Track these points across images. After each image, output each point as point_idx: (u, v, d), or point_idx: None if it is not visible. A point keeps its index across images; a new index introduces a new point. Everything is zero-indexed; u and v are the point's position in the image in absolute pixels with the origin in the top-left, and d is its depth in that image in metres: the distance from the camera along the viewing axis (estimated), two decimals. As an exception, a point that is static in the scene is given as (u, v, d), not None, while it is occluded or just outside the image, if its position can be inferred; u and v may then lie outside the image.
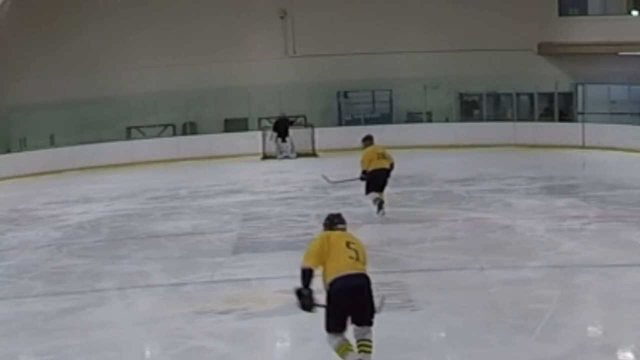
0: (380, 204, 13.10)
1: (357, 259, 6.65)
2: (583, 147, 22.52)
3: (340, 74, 25.11)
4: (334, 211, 7.13)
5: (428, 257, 10.60)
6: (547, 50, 25.58)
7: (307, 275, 6.46)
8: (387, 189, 16.47)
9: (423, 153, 22.50)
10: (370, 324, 6.44)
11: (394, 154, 17.68)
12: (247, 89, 24.80)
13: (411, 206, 14.83)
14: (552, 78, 24.46)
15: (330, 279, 6.44)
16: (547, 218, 12.87)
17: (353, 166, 16.68)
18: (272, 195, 16.85)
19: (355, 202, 15.29)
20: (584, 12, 25.98)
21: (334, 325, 6.40)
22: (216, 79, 24.82)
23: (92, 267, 11.08)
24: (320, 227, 12.12)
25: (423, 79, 24.96)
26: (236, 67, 25.37)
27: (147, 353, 7.92)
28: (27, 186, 20.17)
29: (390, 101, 26.14)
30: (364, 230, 12.63)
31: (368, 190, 13.17)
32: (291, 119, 23.73)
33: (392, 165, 13.11)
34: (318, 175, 18.76)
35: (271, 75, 25.58)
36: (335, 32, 25.33)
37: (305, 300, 6.41)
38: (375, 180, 13.01)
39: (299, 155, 23.40)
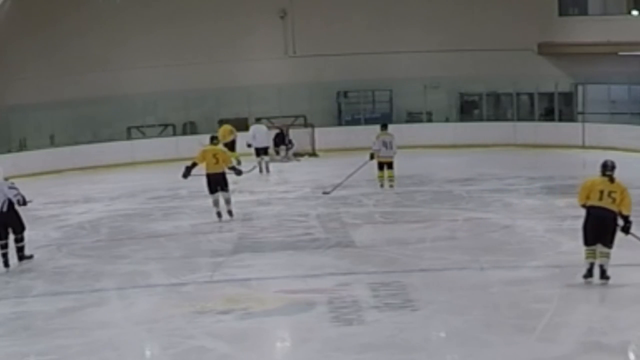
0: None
1: (217, 162, 13.64)
2: (583, 147, 22.51)
3: (340, 74, 25.10)
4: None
5: (428, 257, 10.60)
6: (547, 50, 25.57)
7: (192, 165, 13.84)
8: (387, 189, 16.56)
9: (423, 153, 22.50)
10: (226, 190, 13.76)
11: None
12: (247, 89, 24.80)
13: (411, 206, 14.83)
14: (552, 78, 24.46)
15: (208, 172, 13.67)
16: (547, 218, 12.88)
17: (353, 166, 16.72)
18: (272, 195, 16.86)
19: (356, 202, 15.31)
20: (584, 12, 25.97)
21: (210, 191, 13.68)
22: (216, 79, 24.81)
23: (92, 267, 11.09)
24: (320, 227, 12.27)
25: (423, 79, 24.95)
26: (236, 67, 25.35)
27: (147, 353, 7.91)
28: (27, 186, 19.98)
29: (390, 101, 26.14)
30: (364, 230, 12.68)
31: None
32: (282, 127, 23.74)
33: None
34: (318, 175, 18.81)
35: (271, 75, 25.57)
36: (335, 32, 25.30)
37: (185, 172, 13.91)
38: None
39: (299, 154, 23.46)
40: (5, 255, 11.10)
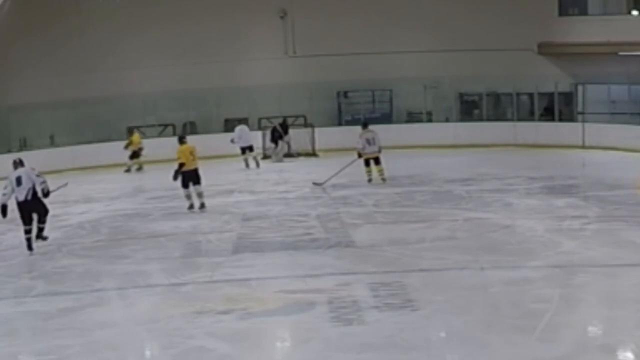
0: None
1: (194, 159, 14.86)
2: (583, 147, 22.52)
3: (340, 74, 25.12)
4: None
5: (428, 257, 10.59)
6: (547, 50, 25.59)
7: (181, 166, 14.82)
8: (386, 189, 16.56)
9: (423, 153, 22.50)
10: (199, 184, 14.88)
11: (394, 154, 17.70)
12: (247, 89, 24.81)
13: (411, 206, 14.82)
14: (552, 78, 24.48)
15: (183, 169, 14.76)
16: (547, 218, 12.86)
17: (353, 166, 16.72)
18: (272, 195, 16.86)
19: (356, 202, 15.31)
20: (584, 12, 26.01)
21: (184, 185, 14.86)
22: (216, 79, 24.83)
23: (92, 267, 11.08)
24: (320, 227, 12.27)
25: (423, 79, 24.98)
26: (236, 67, 25.38)
27: (147, 353, 7.91)
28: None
29: (390, 101, 26.16)
30: (364, 230, 12.68)
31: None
32: (283, 124, 23.82)
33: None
34: (318, 175, 18.80)
35: (271, 75, 25.59)
36: (335, 32, 25.33)
37: (175, 175, 14.82)
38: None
39: (299, 154, 23.51)
40: (29, 240, 11.95)
